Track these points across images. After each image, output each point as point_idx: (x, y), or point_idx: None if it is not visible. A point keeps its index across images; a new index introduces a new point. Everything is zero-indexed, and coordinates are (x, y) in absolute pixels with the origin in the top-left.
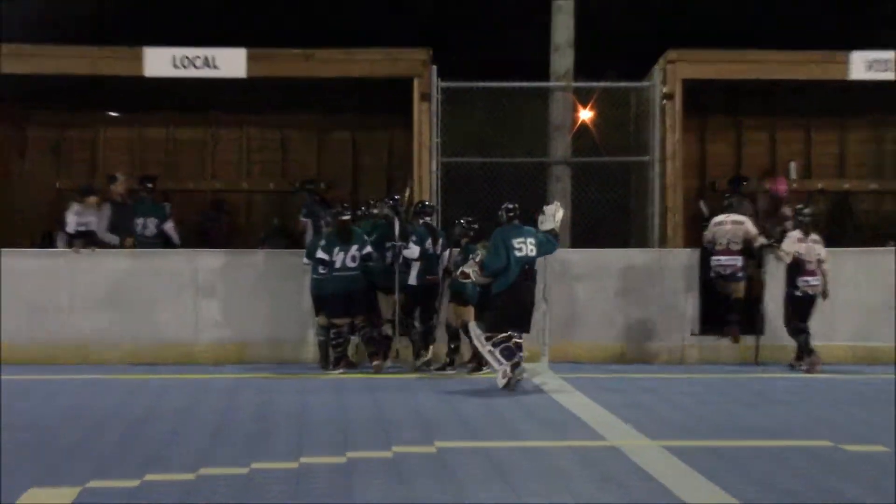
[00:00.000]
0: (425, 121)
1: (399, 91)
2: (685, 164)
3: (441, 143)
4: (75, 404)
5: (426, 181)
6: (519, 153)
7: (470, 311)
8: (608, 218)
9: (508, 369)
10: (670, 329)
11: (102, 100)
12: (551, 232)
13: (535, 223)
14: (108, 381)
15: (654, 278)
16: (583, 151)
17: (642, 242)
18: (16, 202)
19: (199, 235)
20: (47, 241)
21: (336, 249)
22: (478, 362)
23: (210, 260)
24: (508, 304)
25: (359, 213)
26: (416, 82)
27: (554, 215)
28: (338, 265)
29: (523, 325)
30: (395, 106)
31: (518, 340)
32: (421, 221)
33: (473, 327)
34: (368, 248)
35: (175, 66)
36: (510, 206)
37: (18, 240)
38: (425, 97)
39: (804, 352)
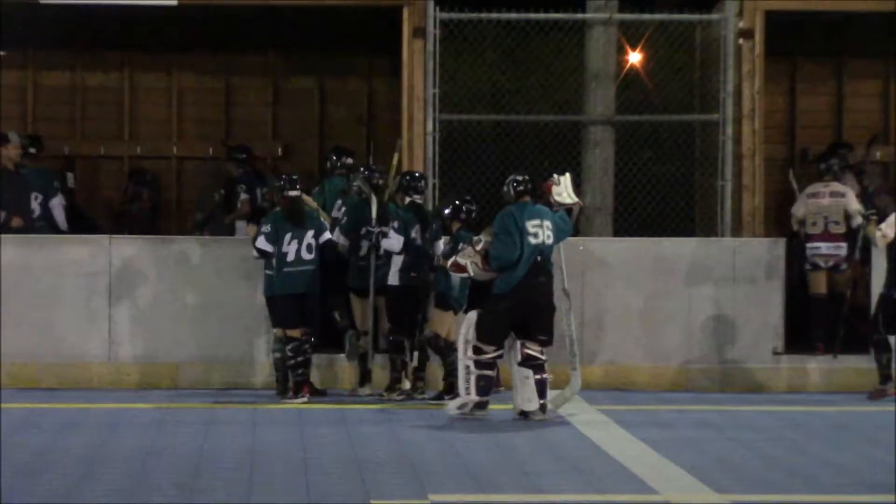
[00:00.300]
0: (418, 65)
1: (382, 24)
2: (768, 125)
3: (439, 94)
4: None
5: (418, 146)
6: (544, 109)
7: (450, 320)
8: (664, 197)
9: (471, 406)
10: (746, 345)
11: None
12: (567, 210)
13: (540, 198)
14: None
15: (725, 277)
16: (631, 107)
17: (709, 230)
18: None
19: (113, 218)
20: None
21: (287, 237)
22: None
23: (127, 249)
24: (515, 309)
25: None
26: (405, 12)
27: (568, 188)
28: (290, 258)
29: (539, 334)
30: (376, 45)
31: (532, 353)
32: (407, 201)
33: (467, 327)
34: (328, 234)
35: None
36: (519, 178)
37: None
38: (418, 33)
39: (885, 375)
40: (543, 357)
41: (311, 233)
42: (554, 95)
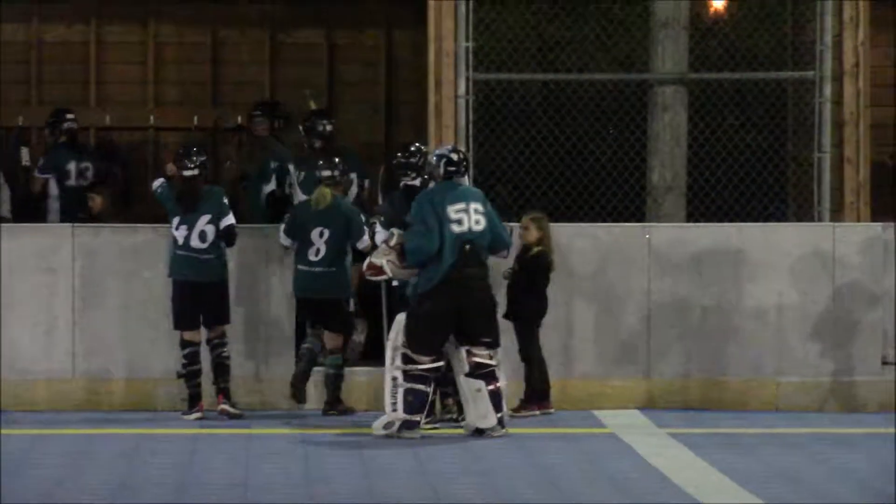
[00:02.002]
0: (448, 12)
1: None
2: (874, 83)
3: (473, 49)
4: None
5: (447, 112)
6: (604, 66)
7: None
8: (748, 173)
9: (398, 425)
10: (850, 355)
11: None
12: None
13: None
14: None
15: (823, 270)
16: (709, 64)
17: (804, 212)
18: None
19: (75, 202)
20: None
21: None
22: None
23: (91, 241)
24: (444, 310)
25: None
26: None
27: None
28: (180, 242)
29: (482, 336)
30: None
31: (480, 360)
32: (402, 184)
33: (397, 333)
34: (230, 219)
35: None
36: (454, 155)
37: None
38: None
39: None
40: (494, 362)
41: (205, 217)
42: (614, 49)
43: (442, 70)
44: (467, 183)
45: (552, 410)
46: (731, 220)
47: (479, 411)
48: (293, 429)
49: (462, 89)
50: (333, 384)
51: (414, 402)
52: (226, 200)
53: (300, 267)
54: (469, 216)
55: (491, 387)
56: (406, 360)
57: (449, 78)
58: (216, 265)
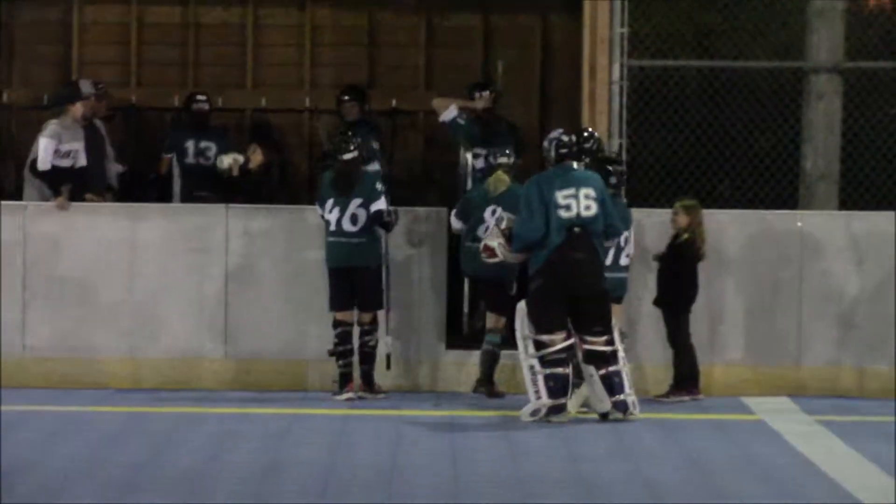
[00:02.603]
0: None
1: None
2: None
3: (629, 34)
4: None
5: (601, 98)
6: (759, 54)
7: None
8: None
9: (545, 410)
10: None
11: None
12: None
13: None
14: None
15: None
16: (865, 52)
17: None
18: None
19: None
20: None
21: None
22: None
23: (251, 223)
24: (553, 289)
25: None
26: None
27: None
28: (332, 226)
29: (593, 325)
30: None
31: (593, 348)
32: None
33: (522, 322)
34: (380, 203)
35: None
36: (565, 137)
37: None
38: None
39: None
40: (608, 348)
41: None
42: (771, 37)
43: (597, 56)
44: (583, 168)
45: (701, 396)
46: (885, 209)
47: (596, 396)
48: (442, 411)
49: (616, 75)
50: (489, 363)
51: (556, 387)
52: (379, 185)
53: (468, 244)
54: (578, 201)
55: (602, 371)
56: (538, 345)
57: (603, 64)
58: (368, 249)
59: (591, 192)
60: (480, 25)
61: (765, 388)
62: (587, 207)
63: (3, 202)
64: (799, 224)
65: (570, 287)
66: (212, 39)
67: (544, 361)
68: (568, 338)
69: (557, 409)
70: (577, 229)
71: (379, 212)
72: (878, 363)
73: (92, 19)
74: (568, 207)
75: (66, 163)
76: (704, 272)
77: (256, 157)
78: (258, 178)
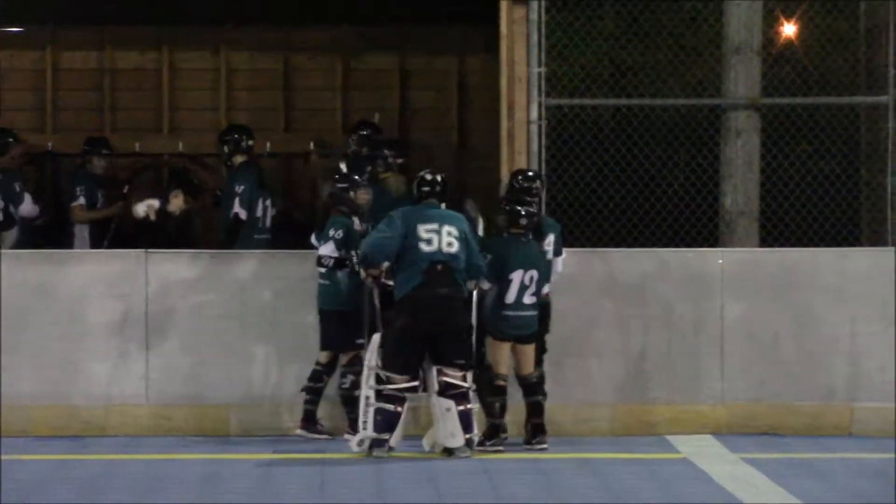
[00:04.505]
0: (520, 38)
1: None
2: None
3: (546, 74)
4: None
5: (520, 137)
6: (676, 92)
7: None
8: (821, 198)
9: (368, 444)
10: None
11: None
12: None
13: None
14: None
15: None
16: (782, 89)
17: (878, 237)
18: None
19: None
20: None
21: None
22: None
23: (172, 268)
24: (416, 327)
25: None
26: None
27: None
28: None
29: (454, 357)
30: (468, 13)
31: (451, 381)
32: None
33: (373, 353)
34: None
35: None
36: (429, 176)
37: None
38: None
39: None
40: (466, 384)
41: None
42: (687, 74)
43: (514, 95)
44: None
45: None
46: (803, 245)
47: (447, 430)
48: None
49: (534, 114)
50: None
51: (382, 422)
52: (332, 230)
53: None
54: (441, 237)
55: (461, 407)
56: (378, 379)
57: (521, 103)
58: (332, 293)
59: (454, 230)
60: (397, 67)
61: (688, 426)
62: (449, 244)
63: None
64: (720, 261)
65: (431, 322)
66: (128, 84)
67: (380, 395)
68: (412, 380)
69: (380, 444)
70: (439, 266)
71: (319, 256)
72: (801, 399)
73: (7, 66)
74: (429, 241)
75: None
76: (629, 312)
77: (177, 201)
78: (180, 222)
